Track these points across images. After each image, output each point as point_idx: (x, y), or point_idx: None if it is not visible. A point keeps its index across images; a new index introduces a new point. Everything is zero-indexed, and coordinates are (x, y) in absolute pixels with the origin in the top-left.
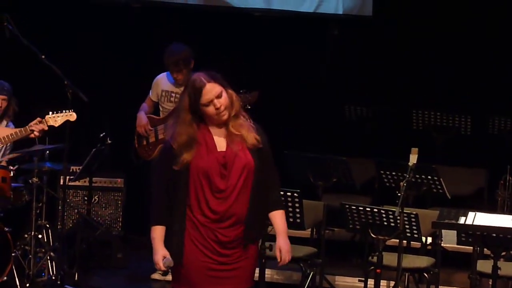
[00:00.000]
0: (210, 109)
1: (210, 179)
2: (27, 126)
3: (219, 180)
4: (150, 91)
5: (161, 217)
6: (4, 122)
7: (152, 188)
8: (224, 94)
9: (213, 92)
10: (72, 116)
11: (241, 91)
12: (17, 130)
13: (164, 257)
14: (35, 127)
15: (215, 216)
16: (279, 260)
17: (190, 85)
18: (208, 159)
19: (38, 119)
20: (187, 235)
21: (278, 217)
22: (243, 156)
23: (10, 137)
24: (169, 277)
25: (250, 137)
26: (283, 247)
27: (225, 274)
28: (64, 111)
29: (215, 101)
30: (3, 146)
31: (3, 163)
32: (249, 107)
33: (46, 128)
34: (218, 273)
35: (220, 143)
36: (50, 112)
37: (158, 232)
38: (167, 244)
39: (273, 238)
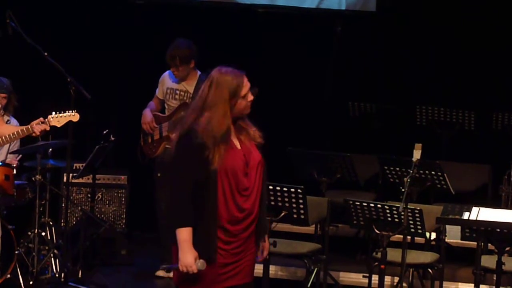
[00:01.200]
0: (244, 102)
1: (238, 178)
2: (29, 126)
3: (244, 178)
4: (157, 89)
5: (189, 218)
6: (6, 118)
7: (174, 187)
8: None
9: (248, 84)
10: (75, 116)
11: None
12: (19, 129)
13: (196, 259)
14: (37, 127)
15: (242, 214)
16: (258, 256)
17: (226, 77)
18: (235, 158)
19: (41, 119)
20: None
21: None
22: (255, 153)
23: (12, 136)
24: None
25: (256, 135)
26: (265, 245)
27: (234, 272)
28: (67, 112)
29: (249, 94)
30: (4, 145)
31: (8, 161)
32: None
33: (48, 128)
34: (231, 272)
35: (235, 141)
36: (53, 112)
37: (187, 234)
38: (198, 243)
39: (276, 234)
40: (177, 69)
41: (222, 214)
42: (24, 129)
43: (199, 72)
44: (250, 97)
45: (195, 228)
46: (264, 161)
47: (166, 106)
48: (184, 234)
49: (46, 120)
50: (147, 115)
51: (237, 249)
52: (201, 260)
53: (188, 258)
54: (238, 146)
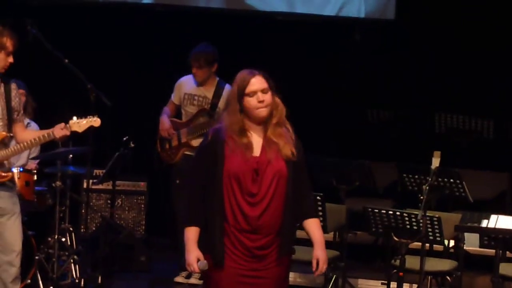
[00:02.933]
0: (252, 100)
1: (241, 183)
2: (50, 131)
3: (251, 184)
4: (172, 94)
5: (196, 217)
6: (26, 121)
7: (185, 187)
8: (270, 93)
9: (259, 85)
10: (96, 121)
11: None
12: (40, 135)
13: (198, 259)
14: (58, 132)
15: (247, 221)
16: (314, 269)
17: (239, 75)
18: (242, 162)
19: (62, 124)
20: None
21: (314, 226)
22: (276, 164)
23: (33, 142)
24: (192, 281)
25: (286, 149)
26: (321, 258)
27: (256, 281)
28: (88, 117)
29: (259, 93)
30: (25, 150)
31: (28, 167)
32: None
33: (69, 133)
34: (249, 279)
35: (256, 147)
36: (75, 117)
37: (193, 233)
38: (205, 245)
39: (297, 241)
40: (200, 69)
41: (229, 219)
42: (46, 134)
43: (217, 78)
44: (261, 98)
45: (204, 229)
46: (287, 174)
47: (183, 112)
48: (189, 233)
49: (67, 125)
50: (165, 121)
51: (250, 258)
52: (204, 261)
53: (190, 257)
54: (256, 153)
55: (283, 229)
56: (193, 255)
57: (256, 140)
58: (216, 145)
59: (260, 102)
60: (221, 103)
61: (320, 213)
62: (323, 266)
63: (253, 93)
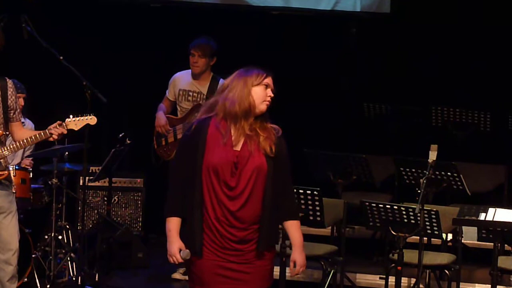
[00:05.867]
0: (263, 92)
1: (219, 175)
2: (46, 130)
3: (229, 177)
4: (167, 90)
5: (178, 208)
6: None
7: (170, 176)
8: None
9: (271, 84)
10: (92, 120)
11: None
12: (36, 133)
13: (180, 249)
14: (54, 130)
15: (227, 215)
16: (291, 271)
17: (250, 68)
18: (222, 155)
19: (58, 122)
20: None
21: (294, 228)
22: (257, 158)
23: (30, 140)
24: None
25: (266, 144)
26: (298, 261)
27: (238, 275)
28: (84, 115)
29: (269, 90)
30: (21, 149)
31: (23, 164)
32: None
33: (66, 131)
34: (230, 273)
35: (237, 141)
36: (71, 116)
37: (174, 224)
38: (185, 235)
39: None
40: (201, 58)
41: (208, 211)
42: (42, 133)
43: (212, 73)
44: (270, 93)
45: (184, 220)
46: (267, 169)
47: (179, 108)
48: (170, 224)
49: (64, 123)
50: (161, 118)
51: (229, 251)
52: (186, 250)
53: (172, 247)
54: (237, 147)
55: (262, 224)
56: (175, 246)
57: (237, 134)
58: (198, 136)
59: (269, 96)
60: None
61: (318, 208)
62: (299, 269)
63: (268, 86)
